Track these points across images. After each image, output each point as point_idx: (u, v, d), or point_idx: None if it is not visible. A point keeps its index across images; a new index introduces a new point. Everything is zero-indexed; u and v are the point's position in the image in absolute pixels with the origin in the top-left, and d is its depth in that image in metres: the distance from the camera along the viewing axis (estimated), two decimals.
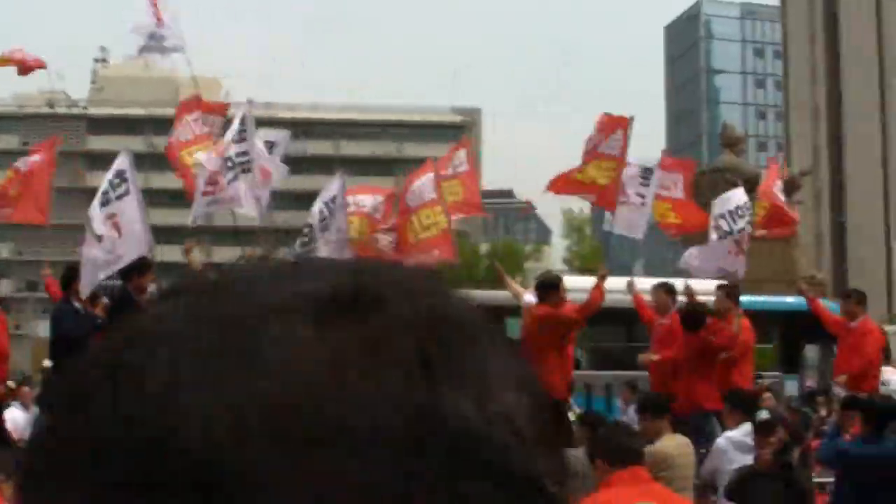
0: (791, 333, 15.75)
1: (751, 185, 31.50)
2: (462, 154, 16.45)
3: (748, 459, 9.59)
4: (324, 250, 13.50)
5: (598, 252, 78.21)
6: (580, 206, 75.04)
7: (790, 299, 16.31)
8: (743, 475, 9.29)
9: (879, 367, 13.49)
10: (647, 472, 5.99)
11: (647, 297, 14.62)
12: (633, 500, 5.64)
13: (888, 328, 23.07)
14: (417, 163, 18.13)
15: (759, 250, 30.50)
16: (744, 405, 10.36)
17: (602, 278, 13.47)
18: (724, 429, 10.90)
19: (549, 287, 13.46)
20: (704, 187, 33.94)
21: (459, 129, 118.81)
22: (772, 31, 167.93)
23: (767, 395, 14.37)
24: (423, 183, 14.75)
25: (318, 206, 14.45)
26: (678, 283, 15.07)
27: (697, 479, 10.34)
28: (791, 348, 19.43)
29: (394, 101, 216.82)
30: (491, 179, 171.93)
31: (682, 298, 14.38)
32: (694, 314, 13.76)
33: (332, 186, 14.74)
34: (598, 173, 14.15)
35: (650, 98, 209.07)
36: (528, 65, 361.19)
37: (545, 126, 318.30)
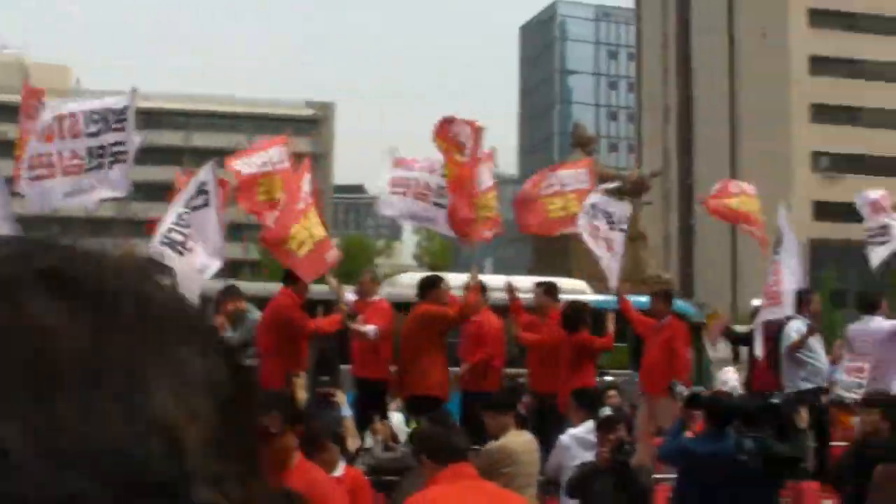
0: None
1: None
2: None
3: (591, 456, 9.61)
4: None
5: (448, 249, 78.45)
6: None
7: (642, 298, 16.41)
8: (584, 472, 9.30)
9: (689, 364, 13.57)
10: (473, 469, 5.99)
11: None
12: (462, 497, 5.66)
13: (738, 328, 23.43)
14: None
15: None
16: (588, 402, 10.40)
17: (475, 276, 13.41)
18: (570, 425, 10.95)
19: (428, 286, 13.55)
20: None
21: (313, 123, 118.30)
22: (626, 33, 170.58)
23: (613, 392, 14.44)
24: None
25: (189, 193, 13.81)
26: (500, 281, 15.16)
27: (542, 475, 10.33)
28: (639, 347, 19.62)
29: (247, 93, 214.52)
30: (342, 175, 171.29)
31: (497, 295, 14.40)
32: (574, 314, 13.89)
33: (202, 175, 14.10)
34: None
35: (503, 96, 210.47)
36: (382, 60, 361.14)
37: (399, 121, 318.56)
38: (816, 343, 14.04)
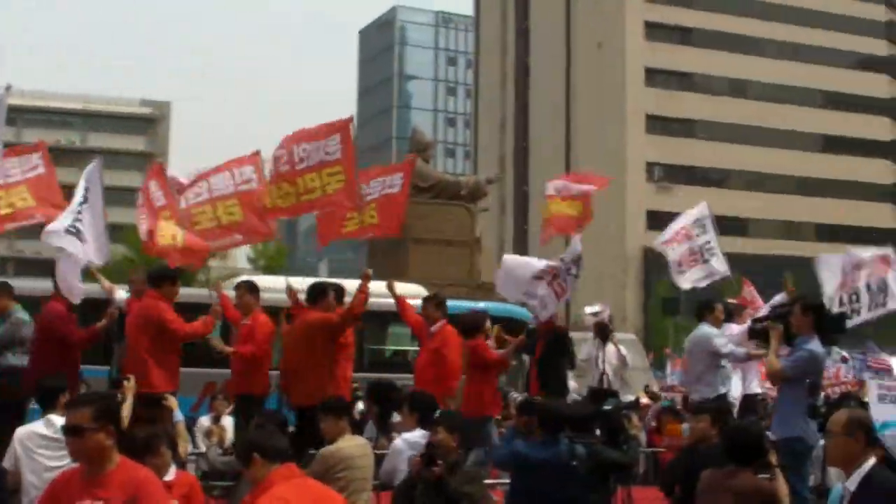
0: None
1: (436, 192, 31.98)
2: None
3: None
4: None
5: (284, 252, 77.90)
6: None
7: (484, 304, 16.46)
8: (407, 480, 9.27)
9: (460, 373, 13.57)
10: (298, 469, 6.17)
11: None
12: (298, 495, 5.80)
13: (573, 335, 23.63)
14: (102, 153, 17.38)
15: (442, 255, 30.99)
16: (422, 408, 10.34)
17: (366, 279, 13.25)
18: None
19: (318, 294, 13.38)
20: None
21: (149, 122, 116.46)
22: (465, 40, 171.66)
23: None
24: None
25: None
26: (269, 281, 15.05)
27: (377, 479, 10.29)
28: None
29: (82, 90, 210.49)
30: (178, 174, 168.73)
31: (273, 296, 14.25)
32: (469, 323, 13.99)
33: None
34: (322, 182, 13.39)
35: (342, 99, 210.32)
36: (221, 59, 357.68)
37: (237, 121, 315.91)
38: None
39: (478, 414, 13.07)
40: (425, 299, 13.99)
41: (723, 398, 13.68)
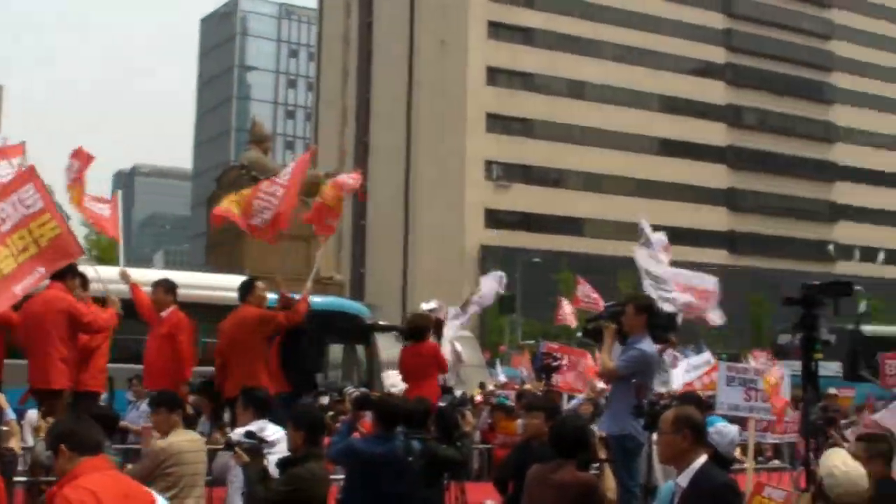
0: (315, 333, 15.77)
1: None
2: None
3: None
4: None
5: (115, 243, 76.59)
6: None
7: (317, 299, 16.35)
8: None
9: (193, 359, 13.54)
10: (110, 462, 6.08)
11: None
12: (109, 487, 5.69)
13: (461, 333, 23.70)
14: None
15: (279, 248, 30.76)
16: (255, 403, 10.25)
17: (315, 281, 13.18)
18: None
19: (247, 288, 13.38)
20: (229, 183, 33.85)
21: None
22: (308, 32, 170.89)
23: None
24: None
25: None
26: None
27: (210, 475, 10.16)
28: (316, 347, 19.58)
29: None
30: None
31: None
32: (418, 325, 14.59)
33: None
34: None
35: (182, 89, 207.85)
36: (55, 47, 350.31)
37: (76, 108, 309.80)
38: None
39: None
40: (155, 284, 13.76)
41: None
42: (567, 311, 26.91)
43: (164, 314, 13.33)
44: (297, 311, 13.11)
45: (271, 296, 14.26)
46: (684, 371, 19.31)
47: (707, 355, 20.76)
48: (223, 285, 14.42)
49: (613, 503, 8.39)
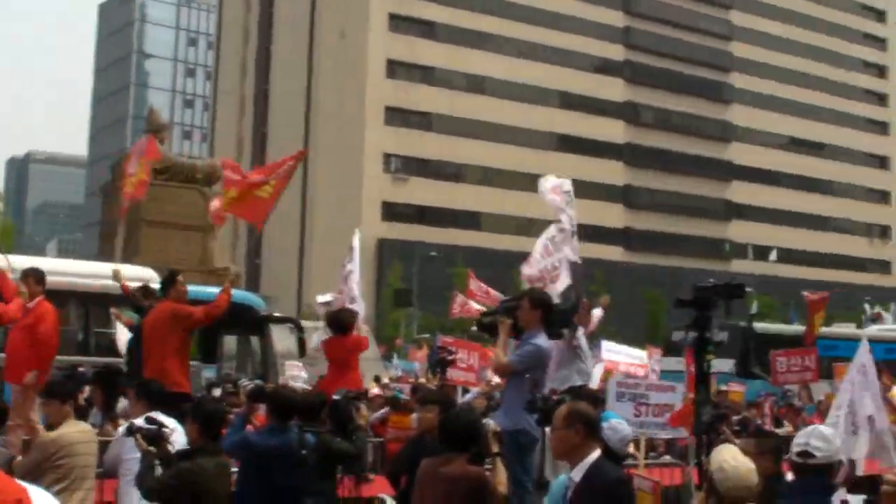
0: (210, 324, 15.64)
1: (171, 174, 31.42)
2: None
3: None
4: None
5: (11, 230, 75.27)
6: None
7: (212, 289, 16.21)
8: (145, 465, 9.08)
9: (55, 350, 13.45)
10: None
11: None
12: None
13: (305, 323, 23.63)
14: None
15: (175, 238, 30.50)
16: (149, 395, 10.14)
17: (230, 283, 13.06)
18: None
19: (168, 282, 13.40)
20: (124, 172, 33.45)
21: None
22: (207, 21, 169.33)
23: None
24: None
25: None
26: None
27: (101, 467, 10.04)
28: (210, 338, 19.44)
29: None
30: None
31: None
32: (341, 318, 15.06)
33: None
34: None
35: (79, 74, 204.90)
36: None
37: None
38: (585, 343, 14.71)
39: None
40: (24, 273, 13.60)
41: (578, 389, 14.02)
42: (464, 303, 26.87)
43: (30, 304, 13.10)
44: (216, 306, 13.01)
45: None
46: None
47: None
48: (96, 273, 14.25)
49: (505, 497, 8.41)
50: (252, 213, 14.72)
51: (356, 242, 18.73)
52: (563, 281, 15.29)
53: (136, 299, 14.39)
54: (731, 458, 7.08)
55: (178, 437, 9.20)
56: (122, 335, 15.95)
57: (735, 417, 16.92)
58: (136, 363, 13.52)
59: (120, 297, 14.45)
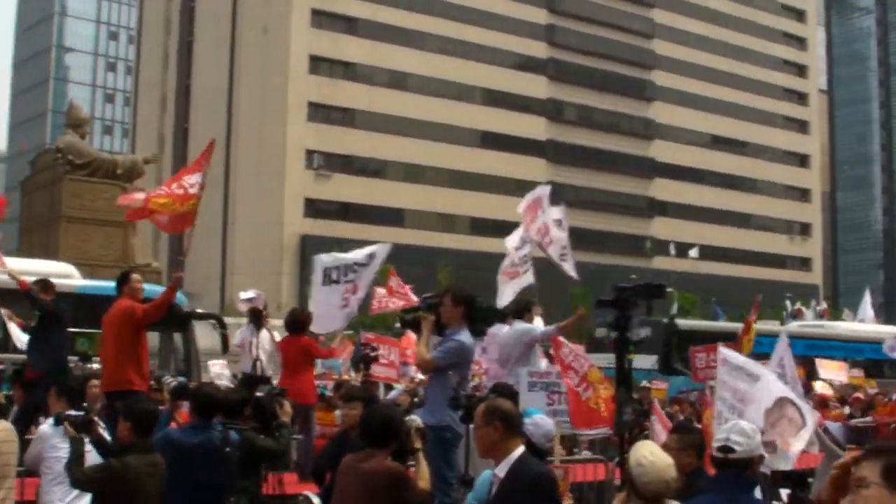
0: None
1: (92, 170, 31.10)
2: None
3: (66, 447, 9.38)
4: None
5: None
6: None
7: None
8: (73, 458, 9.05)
9: None
10: None
11: None
12: None
13: (228, 320, 23.54)
14: None
15: (96, 234, 30.20)
16: (68, 393, 10.08)
17: (176, 281, 13.05)
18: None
19: (122, 280, 13.29)
20: (44, 167, 33.09)
21: None
22: (128, 15, 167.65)
23: (96, 381, 14.11)
24: None
25: None
26: None
27: (22, 465, 9.96)
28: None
29: None
30: None
31: None
32: (298, 318, 15.36)
33: None
34: None
35: None
36: None
37: None
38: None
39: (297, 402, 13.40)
40: None
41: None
42: (383, 299, 26.72)
43: None
44: (157, 306, 12.92)
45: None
46: None
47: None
48: (36, 271, 14.10)
49: (427, 493, 8.43)
50: (172, 225, 14.71)
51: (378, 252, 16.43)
52: (527, 279, 15.56)
53: (35, 294, 14.24)
54: (650, 454, 7.19)
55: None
56: (17, 332, 15.88)
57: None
58: (41, 359, 13.47)
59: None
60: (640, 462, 7.14)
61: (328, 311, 15.72)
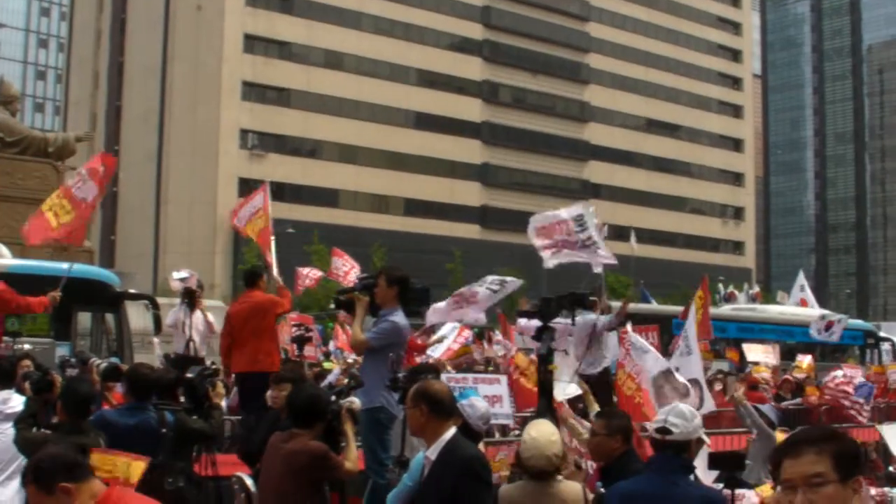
0: (63, 301, 15.37)
1: (22, 147, 30.74)
2: None
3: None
4: None
5: None
6: None
7: (65, 265, 15.95)
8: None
9: None
10: None
11: None
12: None
13: (160, 300, 23.36)
14: None
15: (26, 213, 29.85)
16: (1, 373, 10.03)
17: (63, 249, 12.94)
18: None
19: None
20: None
21: None
22: None
23: (27, 362, 13.98)
24: None
25: None
26: None
27: None
28: (63, 315, 19.08)
29: None
30: None
31: None
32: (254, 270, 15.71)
33: None
34: None
35: None
36: None
37: None
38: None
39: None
40: None
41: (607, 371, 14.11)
42: (306, 276, 26.65)
43: None
44: (24, 307, 12.92)
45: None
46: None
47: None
48: None
49: (353, 473, 8.50)
50: (67, 231, 14.68)
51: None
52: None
53: None
54: (535, 432, 7.48)
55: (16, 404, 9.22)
56: None
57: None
58: None
59: None
60: (524, 439, 7.39)
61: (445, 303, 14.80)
